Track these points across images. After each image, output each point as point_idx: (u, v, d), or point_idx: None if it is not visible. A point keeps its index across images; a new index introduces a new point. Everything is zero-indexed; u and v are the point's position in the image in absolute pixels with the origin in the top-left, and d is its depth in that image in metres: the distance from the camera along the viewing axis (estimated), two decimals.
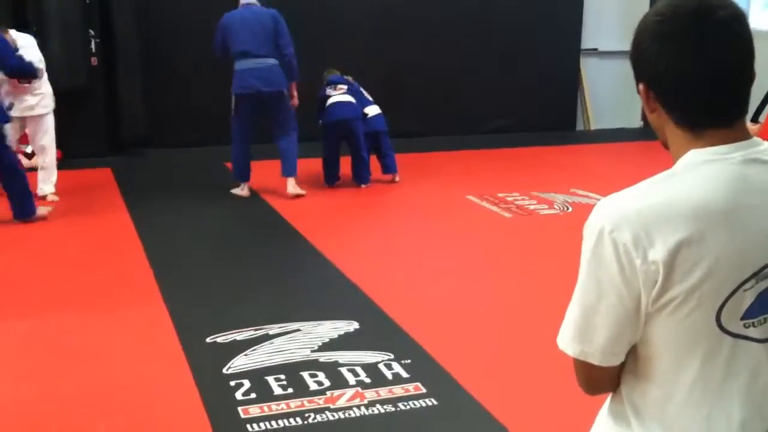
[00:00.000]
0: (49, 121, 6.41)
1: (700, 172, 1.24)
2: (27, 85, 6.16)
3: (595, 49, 10.03)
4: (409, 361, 3.60)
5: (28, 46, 6.22)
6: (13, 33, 6.21)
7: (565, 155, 8.70)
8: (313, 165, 7.10)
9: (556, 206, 6.41)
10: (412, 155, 8.10)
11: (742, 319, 1.25)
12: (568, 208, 6.33)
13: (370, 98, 7.06)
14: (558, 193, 6.78)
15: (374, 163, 7.08)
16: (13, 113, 6.02)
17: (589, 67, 10.15)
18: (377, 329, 3.99)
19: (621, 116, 10.07)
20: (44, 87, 6.33)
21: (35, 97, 6.25)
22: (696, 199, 1.22)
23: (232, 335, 3.85)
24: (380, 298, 4.38)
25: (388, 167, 7.12)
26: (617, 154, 8.72)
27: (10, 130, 5.92)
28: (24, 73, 6.04)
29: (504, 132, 9.58)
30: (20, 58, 6.00)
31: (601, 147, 9.25)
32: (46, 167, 6.43)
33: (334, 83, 6.91)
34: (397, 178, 7.14)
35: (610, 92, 9.95)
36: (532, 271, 4.88)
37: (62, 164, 7.62)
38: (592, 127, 10.24)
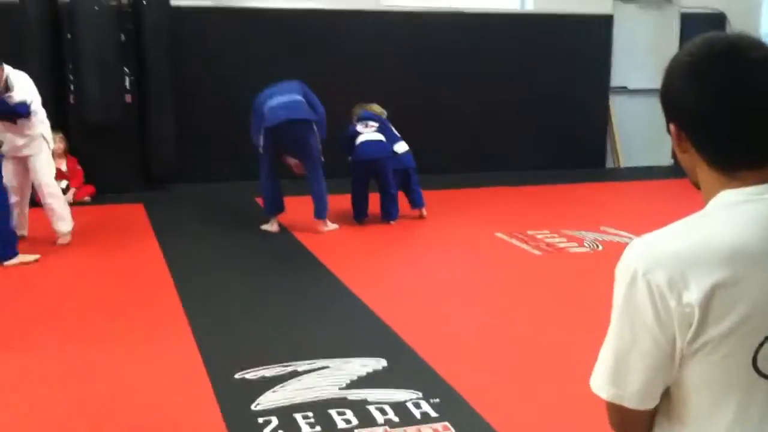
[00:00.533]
0: (38, 163, 5.99)
1: (734, 213, 1.23)
2: (14, 125, 5.81)
3: (625, 87, 10.03)
4: (437, 400, 3.57)
5: (21, 85, 5.85)
6: (8, 69, 5.82)
7: (595, 193, 8.66)
8: (341, 201, 7.14)
9: (586, 244, 6.37)
10: (442, 192, 8.11)
11: None
12: (598, 246, 6.29)
13: (398, 135, 7.10)
14: (588, 231, 6.75)
15: (402, 198, 7.10)
16: (3, 151, 5.81)
17: (618, 105, 10.14)
18: (406, 367, 3.97)
19: (651, 154, 10.03)
20: (35, 129, 5.93)
21: (24, 138, 5.89)
22: (731, 240, 1.21)
23: (260, 371, 3.85)
24: (409, 335, 4.36)
25: (416, 202, 7.14)
26: (647, 192, 8.67)
27: (9, 167, 5.82)
28: (7, 114, 5.71)
29: (534, 169, 9.57)
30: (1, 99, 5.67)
31: (631, 185, 9.21)
32: (49, 208, 6.08)
33: (365, 119, 6.96)
34: (425, 213, 7.15)
35: (639, 130, 9.92)
36: (562, 310, 4.84)
37: (94, 200, 7.76)
38: (622, 165, 10.20)
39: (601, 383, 1.30)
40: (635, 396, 1.27)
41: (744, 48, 1.23)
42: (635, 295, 1.23)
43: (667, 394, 1.29)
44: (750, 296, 1.20)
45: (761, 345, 1.21)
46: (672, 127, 1.30)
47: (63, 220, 6.15)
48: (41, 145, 6.01)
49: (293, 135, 6.55)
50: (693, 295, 1.19)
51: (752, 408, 1.24)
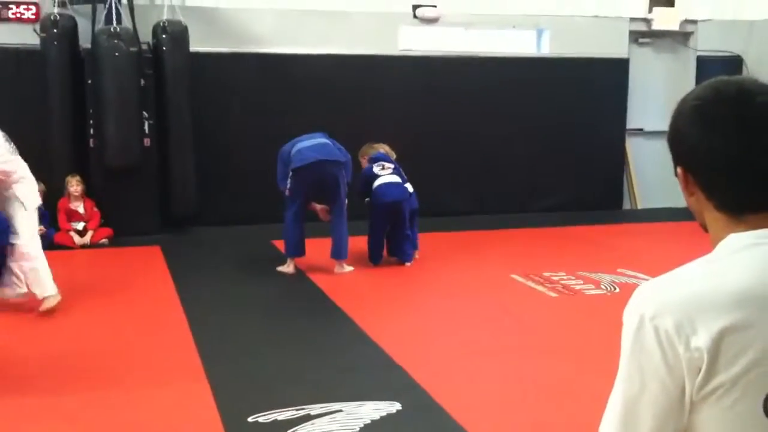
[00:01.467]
0: (15, 222, 5.46)
1: (742, 257, 1.22)
2: None
3: (641, 129, 10.04)
4: None
5: None
6: None
7: (611, 235, 8.62)
8: (355, 243, 7.14)
9: (602, 286, 6.33)
10: (458, 233, 8.10)
11: None
12: (615, 289, 6.24)
13: (404, 176, 7.12)
14: (605, 273, 6.70)
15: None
16: None
17: (635, 147, 10.14)
18: (420, 410, 3.93)
19: (668, 196, 9.95)
20: (8, 190, 5.42)
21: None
22: (739, 284, 1.20)
23: (273, 415, 3.83)
24: (423, 378, 4.33)
25: (413, 244, 7.12)
26: (665, 234, 8.61)
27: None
28: None
29: (550, 211, 9.56)
30: None
31: (649, 226, 9.16)
32: (26, 269, 5.49)
33: (380, 161, 6.99)
34: (416, 256, 7.12)
35: (656, 171, 9.88)
36: (578, 352, 4.79)
37: (112, 242, 7.81)
38: (639, 207, 10.17)
39: (610, 431, 1.28)
40: None
41: (752, 93, 1.23)
42: (643, 341, 1.21)
43: None
44: (760, 341, 1.18)
45: None
46: (679, 170, 1.30)
47: (40, 286, 5.49)
48: (16, 206, 5.46)
49: (323, 176, 6.59)
50: (701, 339, 1.17)
51: None
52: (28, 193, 5.52)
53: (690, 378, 1.19)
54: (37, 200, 5.66)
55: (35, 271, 5.48)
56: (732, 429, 1.21)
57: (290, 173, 6.58)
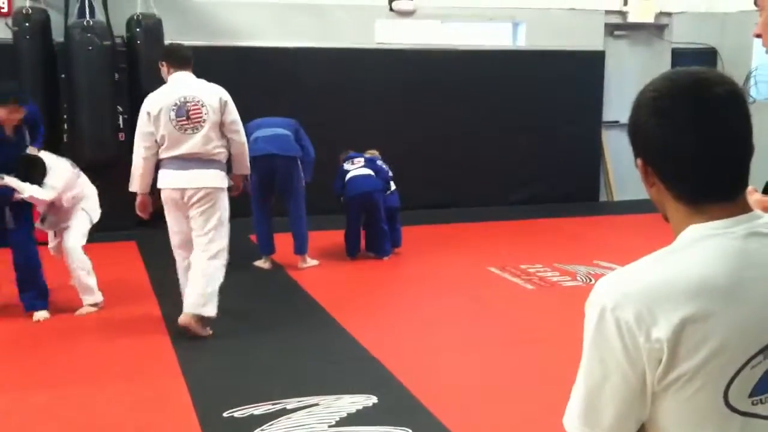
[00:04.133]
0: (73, 229, 5.70)
1: (701, 248, 1.23)
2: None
3: (617, 122, 10.08)
4: None
5: (52, 170, 5.54)
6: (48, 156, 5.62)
7: (588, 227, 8.67)
8: (333, 237, 7.13)
9: (578, 278, 6.36)
10: (435, 226, 8.11)
11: (750, 396, 1.22)
12: (591, 280, 6.27)
13: (389, 174, 7.10)
14: (581, 264, 6.74)
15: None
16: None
17: (611, 139, 10.18)
18: (396, 404, 3.94)
19: (644, 188, 10.02)
20: (79, 205, 5.69)
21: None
22: (698, 275, 1.21)
23: (249, 410, 3.82)
24: (400, 371, 4.33)
25: (395, 242, 7.13)
26: (640, 226, 8.62)
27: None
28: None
29: (526, 204, 9.59)
30: None
31: (624, 218, 9.21)
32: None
33: (351, 158, 7.02)
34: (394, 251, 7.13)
35: (632, 164, 9.82)
36: (554, 344, 4.81)
37: (88, 237, 7.73)
38: (615, 199, 10.22)
39: (573, 422, 1.29)
40: None
41: (708, 83, 1.24)
42: (604, 332, 1.22)
43: None
44: (720, 331, 1.19)
45: (732, 380, 1.20)
46: (639, 161, 1.31)
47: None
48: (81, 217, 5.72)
49: (273, 170, 6.50)
50: (662, 330, 1.18)
51: None
52: (94, 206, 5.85)
53: (651, 368, 1.20)
54: (98, 213, 5.89)
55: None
56: (693, 418, 1.23)
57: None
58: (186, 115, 4.95)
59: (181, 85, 5.03)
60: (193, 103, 4.96)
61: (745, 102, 1.25)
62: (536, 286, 6.14)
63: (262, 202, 6.66)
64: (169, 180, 5.10)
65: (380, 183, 6.90)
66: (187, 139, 4.96)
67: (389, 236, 7.01)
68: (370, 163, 6.99)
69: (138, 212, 5.39)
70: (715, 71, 1.28)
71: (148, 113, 5.01)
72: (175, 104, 4.95)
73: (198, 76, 5.19)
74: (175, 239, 5.24)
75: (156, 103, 4.99)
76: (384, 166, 7.06)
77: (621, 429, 1.25)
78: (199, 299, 4.93)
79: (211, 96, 5.03)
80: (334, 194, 6.98)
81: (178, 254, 5.26)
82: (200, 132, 4.96)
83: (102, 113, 7.81)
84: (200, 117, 4.96)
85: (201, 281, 4.96)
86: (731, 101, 1.23)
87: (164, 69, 5.16)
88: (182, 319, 4.92)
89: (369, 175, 6.89)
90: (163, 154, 5.05)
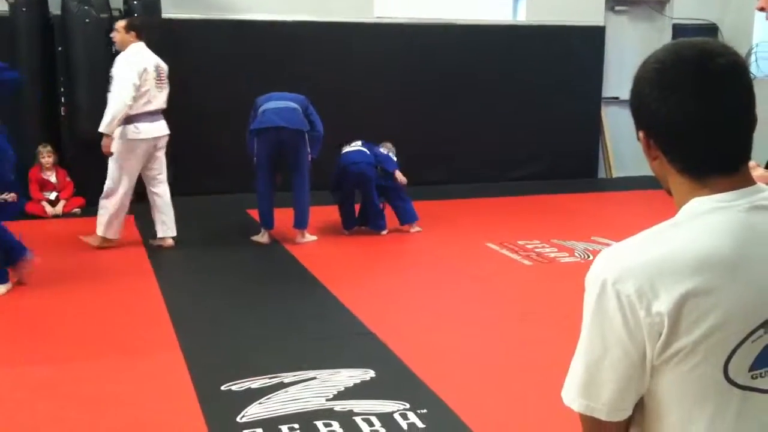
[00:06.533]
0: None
1: (704, 221, 1.22)
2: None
3: (617, 98, 10.05)
4: (425, 410, 3.55)
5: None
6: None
7: (586, 203, 8.66)
8: (330, 212, 7.12)
9: (576, 254, 6.37)
10: (433, 203, 8.09)
11: (750, 370, 1.21)
12: (588, 256, 6.28)
13: (392, 159, 7.08)
14: (579, 240, 6.74)
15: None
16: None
17: (610, 116, 10.16)
18: (393, 378, 3.95)
19: (643, 164, 9.77)
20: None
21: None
22: (701, 249, 1.20)
23: (246, 383, 3.83)
24: (397, 346, 4.34)
25: (410, 216, 7.12)
26: (639, 202, 8.65)
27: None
28: None
29: (525, 180, 9.58)
30: None
31: (623, 195, 9.21)
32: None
33: (350, 141, 7.05)
34: (418, 227, 7.12)
35: (631, 140, 9.78)
36: (552, 320, 4.82)
37: (84, 211, 7.73)
38: (614, 175, 10.21)
39: (572, 395, 1.28)
40: (606, 407, 1.25)
41: (712, 55, 1.22)
42: (605, 306, 1.22)
43: (640, 405, 1.28)
44: (721, 305, 1.18)
45: (732, 354, 1.20)
46: (641, 134, 1.30)
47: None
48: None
49: (281, 142, 6.50)
50: (663, 304, 1.18)
51: (726, 418, 1.23)
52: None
53: (651, 342, 1.20)
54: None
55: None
56: (693, 392, 1.22)
57: (254, 134, 6.52)
58: (159, 77, 6.20)
59: (146, 52, 6.20)
60: (161, 67, 6.24)
61: (748, 72, 1.24)
62: (534, 262, 6.14)
63: (268, 176, 6.64)
64: (150, 130, 6.22)
65: (371, 158, 6.89)
66: (160, 96, 6.24)
67: (383, 212, 7.01)
68: (367, 146, 6.99)
69: (104, 152, 6.20)
70: (718, 42, 1.26)
71: (145, 69, 6.07)
72: (155, 66, 6.16)
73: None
74: (131, 182, 6.34)
75: (142, 63, 6.07)
76: (384, 152, 7.05)
77: (620, 403, 1.25)
78: (173, 223, 6.48)
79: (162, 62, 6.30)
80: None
81: (128, 195, 6.37)
82: (165, 91, 6.28)
83: (99, 87, 7.74)
84: (165, 78, 6.27)
85: (172, 209, 6.50)
86: (735, 72, 1.22)
87: (129, 37, 6.18)
88: (168, 242, 6.49)
89: (360, 150, 6.91)
90: (140, 109, 6.10)
